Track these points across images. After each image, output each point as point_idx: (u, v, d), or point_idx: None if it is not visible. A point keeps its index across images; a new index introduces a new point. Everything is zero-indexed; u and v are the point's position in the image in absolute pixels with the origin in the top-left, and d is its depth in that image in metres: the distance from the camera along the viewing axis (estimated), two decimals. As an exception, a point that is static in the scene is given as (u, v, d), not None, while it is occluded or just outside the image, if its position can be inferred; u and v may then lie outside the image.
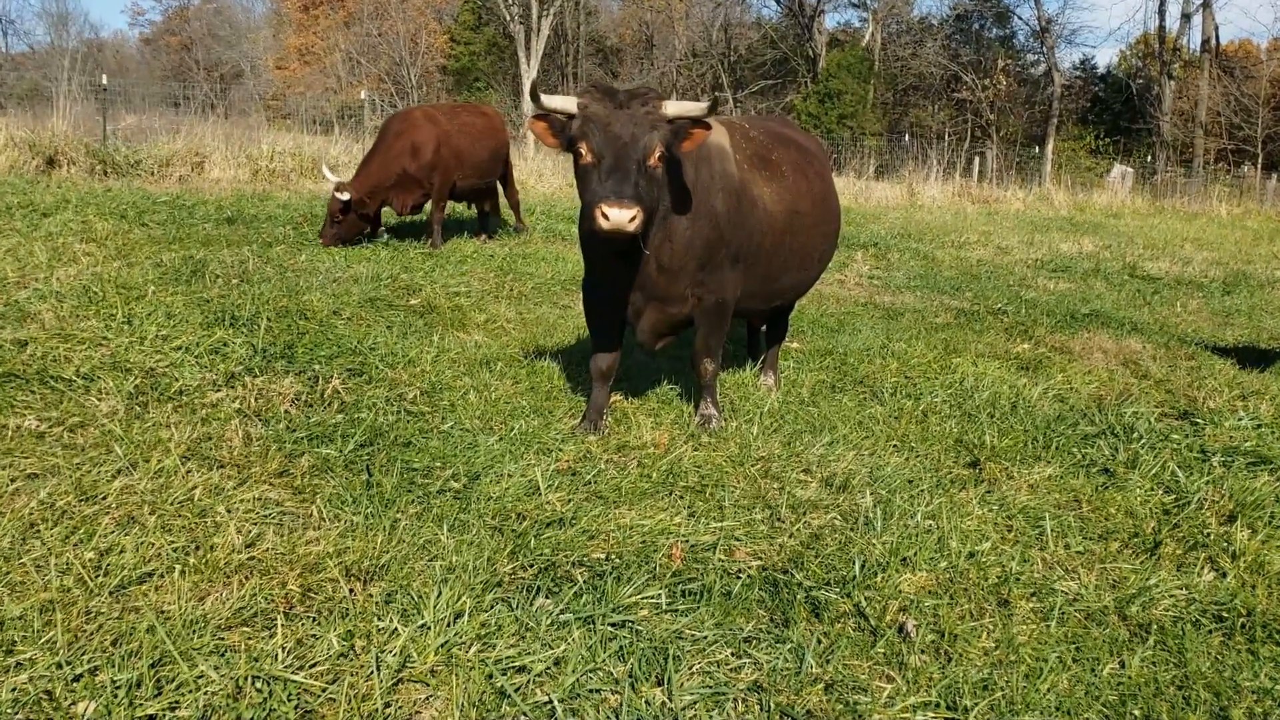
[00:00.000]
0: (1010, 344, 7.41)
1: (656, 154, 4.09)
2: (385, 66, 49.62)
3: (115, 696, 2.43)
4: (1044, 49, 46.58)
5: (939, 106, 47.20)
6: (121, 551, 3.15)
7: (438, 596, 3.01)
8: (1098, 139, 42.62)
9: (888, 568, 3.45)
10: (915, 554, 3.56)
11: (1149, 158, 37.38)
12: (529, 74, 43.89)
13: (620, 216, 3.89)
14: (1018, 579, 3.49)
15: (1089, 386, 6.19)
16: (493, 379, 5.43)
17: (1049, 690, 2.83)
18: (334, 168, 10.69)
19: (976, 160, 29.87)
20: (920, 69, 46.59)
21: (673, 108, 4.18)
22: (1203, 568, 3.68)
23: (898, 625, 3.14)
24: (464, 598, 3.02)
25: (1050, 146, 40.55)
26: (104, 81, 19.79)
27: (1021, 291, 10.47)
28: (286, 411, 4.59)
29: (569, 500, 3.87)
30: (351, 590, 3.05)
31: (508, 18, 44.56)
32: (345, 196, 9.98)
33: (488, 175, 11.36)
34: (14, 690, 2.43)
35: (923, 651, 3.02)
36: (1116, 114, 45.44)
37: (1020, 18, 58.45)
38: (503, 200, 12.30)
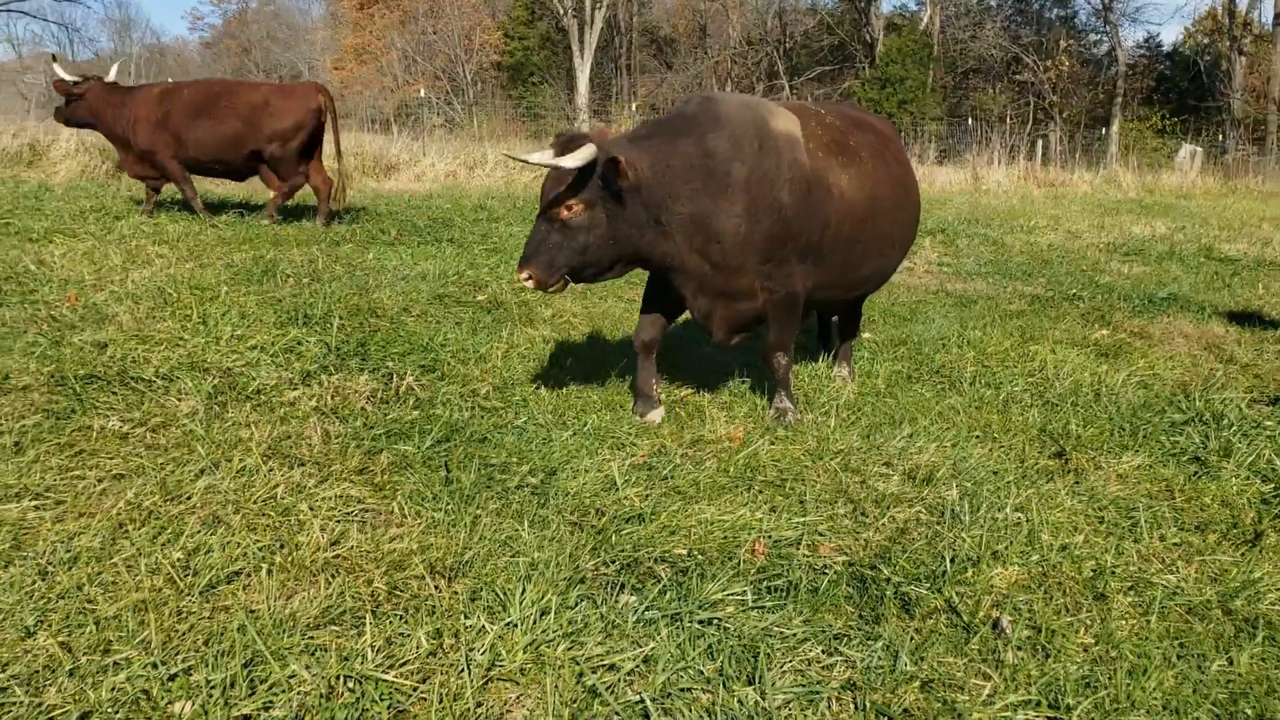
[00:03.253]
0: (1088, 330, 7.23)
1: (564, 210, 4.17)
2: (441, 64, 49.97)
3: (211, 696, 2.44)
4: (1107, 28, 45.60)
5: (1000, 89, 46.40)
6: (209, 551, 3.17)
7: (522, 594, 2.98)
8: (1164, 119, 41.56)
9: (979, 562, 3.36)
10: (1006, 548, 3.47)
11: (1219, 136, 36.35)
12: (583, 67, 43.94)
13: (522, 281, 4.25)
14: (1113, 572, 3.39)
15: (1173, 373, 6.02)
16: (562, 373, 5.41)
17: (1155, 688, 2.73)
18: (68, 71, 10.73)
19: (1040, 143, 29.30)
20: (980, 51, 45.83)
21: (568, 161, 4.07)
22: (1309, 560, 3.54)
23: (992, 621, 3.05)
24: (549, 595, 2.99)
25: (1115, 127, 39.68)
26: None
27: (1095, 276, 10.23)
28: (363, 409, 4.61)
29: (647, 495, 3.82)
30: (437, 588, 3.04)
31: (561, 11, 44.64)
32: (69, 78, 10.29)
33: (223, 154, 10.50)
34: (113, 689, 2.44)
35: (1019, 648, 2.93)
36: (1183, 92, 44.33)
37: (1082, -4, 57.27)
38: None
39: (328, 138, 10.74)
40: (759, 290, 4.63)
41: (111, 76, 10.66)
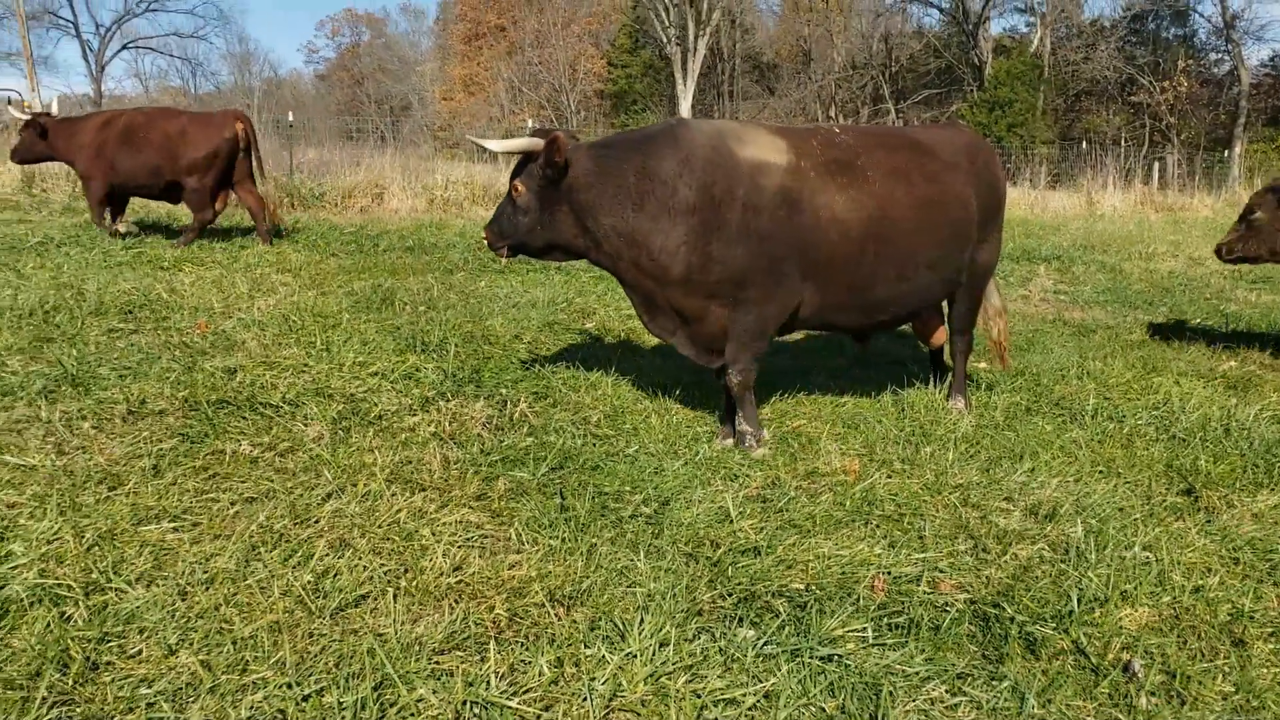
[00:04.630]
0: (1214, 361, 6.97)
1: (513, 189, 4.70)
2: (545, 93, 50.87)
3: (343, 718, 2.50)
4: (1229, 46, 44.03)
5: (1114, 111, 45.14)
6: (337, 575, 3.26)
7: (641, 624, 3.00)
8: (1291, 139, 39.94)
9: (1106, 602, 3.26)
10: (1135, 588, 3.36)
11: (1351, 157, 34.77)
12: (686, 94, 44.25)
13: (483, 236, 4.96)
14: (1252, 617, 3.25)
15: (1309, 407, 5.75)
16: (672, 402, 5.43)
17: (1302, 742, 2.62)
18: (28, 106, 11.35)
19: (1156, 166, 28.41)
20: (1093, 73, 44.65)
21: (494, 145, 4.81)
22: None
23: (1122, 664, 2.96)
24: (667, 626, 3.00)
25: (1238, 149, 38.25)
26: (290, 118, 20.92)
27: (1220, 305, 9.85)
28: (479, 435, 4.70)
29: (761, 528, 3.81)
30: (557, 616, 3.08)
31: (664, 40, 45.07)
32: (25, 117, 10.78)
33: (148, 180, 10.65)
34: (252, 708, 2.53)
35: (1152, 693, 2.84)
36: (1313, 112, 42.55)
37: (1201, 15, 55.49)
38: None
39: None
40: (717, 312, 4.69)
41: (55, 111, 11.36)
